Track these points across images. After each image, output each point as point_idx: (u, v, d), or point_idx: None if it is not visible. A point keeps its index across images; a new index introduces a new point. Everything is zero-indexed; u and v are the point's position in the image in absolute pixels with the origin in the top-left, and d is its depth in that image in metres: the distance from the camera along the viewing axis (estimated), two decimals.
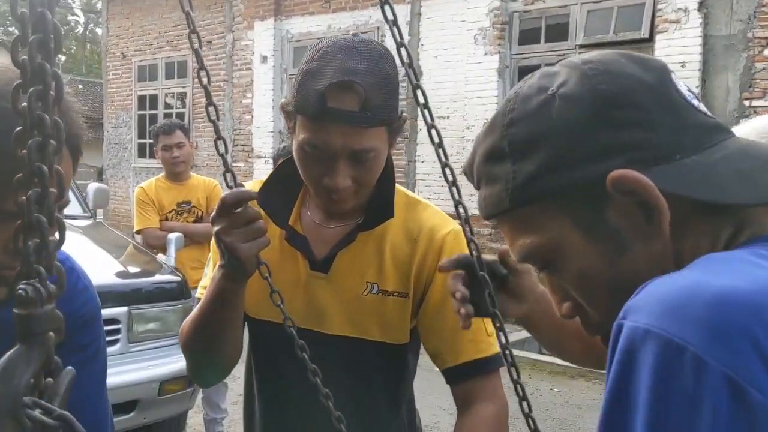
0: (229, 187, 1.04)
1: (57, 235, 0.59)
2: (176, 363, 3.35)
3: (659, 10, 6.54)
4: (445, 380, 1.31)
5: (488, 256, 1.04)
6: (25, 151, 0.55)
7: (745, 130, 1.11)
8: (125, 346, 3.34)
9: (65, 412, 0.56)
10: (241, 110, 10.45)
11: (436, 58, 8.09)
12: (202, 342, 1.22)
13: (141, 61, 12.46)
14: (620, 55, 0.70)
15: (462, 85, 7.89)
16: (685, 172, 0.63)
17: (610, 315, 0.58)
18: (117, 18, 12.76)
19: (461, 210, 0.98)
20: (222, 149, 1.02)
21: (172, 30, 11.65)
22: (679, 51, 6.35)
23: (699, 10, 6.29)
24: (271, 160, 6.98)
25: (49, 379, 0.58)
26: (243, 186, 1.05)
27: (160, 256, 3.98)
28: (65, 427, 0.56)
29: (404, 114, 1.21)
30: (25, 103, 0.55)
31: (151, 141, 4.90)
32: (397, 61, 1.06)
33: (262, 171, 9.72)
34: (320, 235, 1.28)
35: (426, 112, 0.99)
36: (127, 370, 3.25)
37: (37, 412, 0.55)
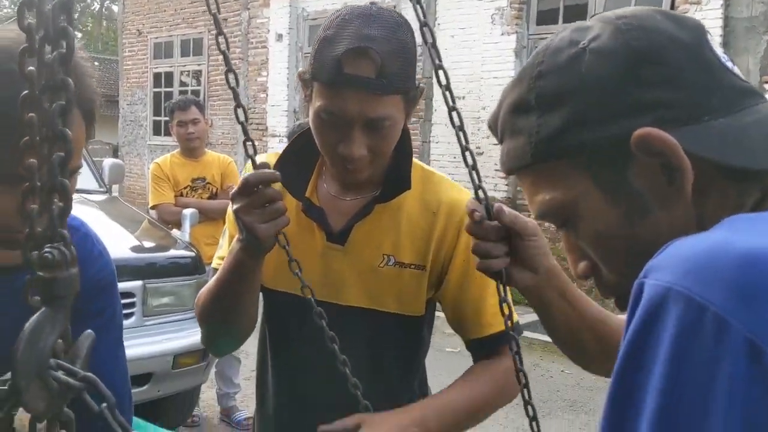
0: (248, 156, 1.04)
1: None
2: (190, 337, 3.38)
3: None
4: (468, 350, 1.33)
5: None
6: (44, 116, 0.55)
7: None
8: (140, 319, 3.37)
9: (89, 374, 0.57)
10: (256, 89, 10.43)
11: (453, 37, 8.01)
12: (219, 313, 1.23)
13: (157, 38, 12.46)
14: (655, 11, 0.68)
15: (478, 65, 7.82)
16: (714, 134, 0.62)
17: (628, 277, 0.58)
18: None
19: (481, 194, 0.97)
20: (242, 117, 1.01)
21: (188, 7, 11.63)
22: None
23: None
24: (285, 139, 6.95)
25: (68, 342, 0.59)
26: (262, 156, 1.04)
27: (175, 232, 4.00)
28: (89, 388, 0.57)
29: (422, 84, 1.20)
30: (32, 67, 0.55)
31: (167, 118, 4.90)
32: (419, 39, 1.05)
33: (276, 150, 9.70)
34: (337, 207, 1.28)
35: (447, 93, 0.97)
36: (142, 344, 3.27)
37: (60, 374, 0.56)
